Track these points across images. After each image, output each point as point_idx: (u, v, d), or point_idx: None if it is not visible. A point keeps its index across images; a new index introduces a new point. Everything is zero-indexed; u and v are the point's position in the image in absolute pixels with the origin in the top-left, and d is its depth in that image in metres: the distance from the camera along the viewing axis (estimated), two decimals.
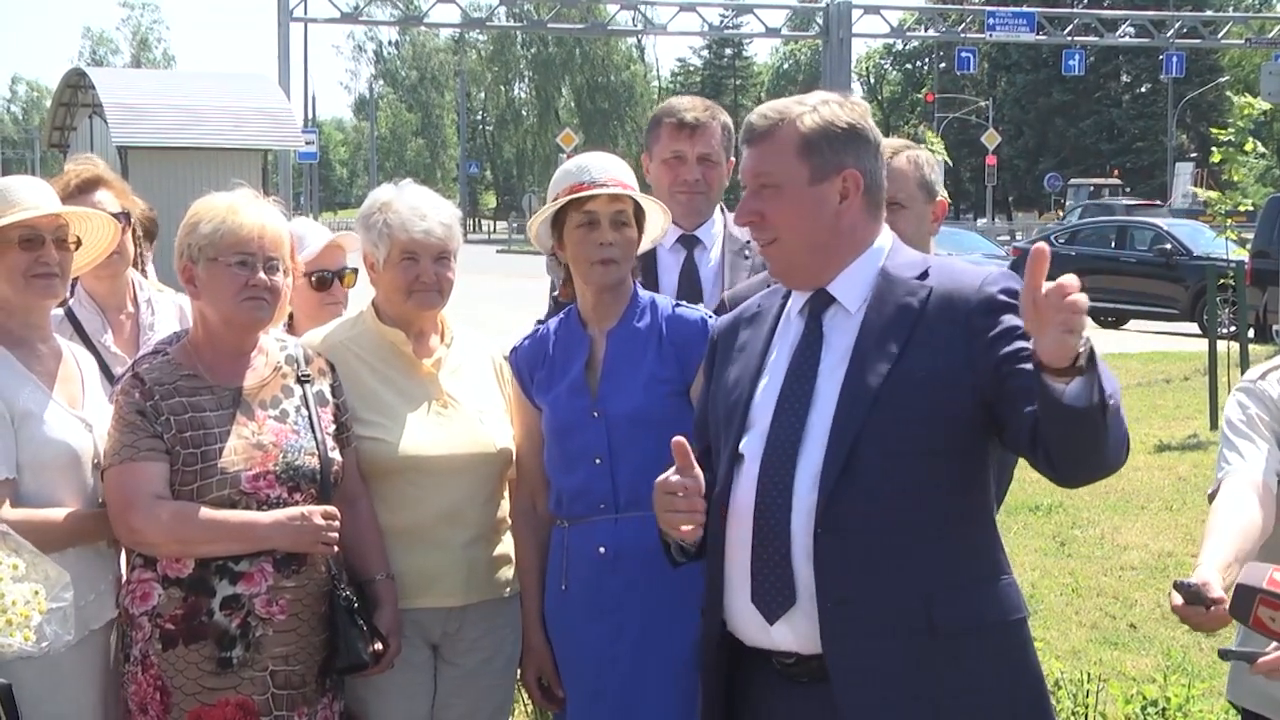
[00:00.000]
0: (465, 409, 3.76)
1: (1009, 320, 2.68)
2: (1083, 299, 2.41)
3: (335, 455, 3.50)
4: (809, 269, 2.86)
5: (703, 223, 4.43)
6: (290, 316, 4.37)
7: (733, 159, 4.47)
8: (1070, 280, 2.42)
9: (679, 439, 2.82)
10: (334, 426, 3.55)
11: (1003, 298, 2.72)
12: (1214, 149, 13.70)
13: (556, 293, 4.08)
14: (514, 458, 3.83)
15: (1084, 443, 2.56)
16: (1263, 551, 3.23)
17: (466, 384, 3.81)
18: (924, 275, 2.81)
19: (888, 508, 2.70)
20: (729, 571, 2.85)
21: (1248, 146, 13.15)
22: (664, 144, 4.40)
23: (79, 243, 3.59)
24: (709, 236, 4.40)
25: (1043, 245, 2.55)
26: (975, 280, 2.77)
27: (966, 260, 14.18)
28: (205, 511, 3.31)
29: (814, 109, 2.83)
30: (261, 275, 3.40)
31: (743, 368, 2.95)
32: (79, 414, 3.48)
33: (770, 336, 2.94)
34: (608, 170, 3.67)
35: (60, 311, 4.06)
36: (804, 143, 2.80)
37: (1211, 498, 3.21)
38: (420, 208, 3.71)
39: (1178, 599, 2.77)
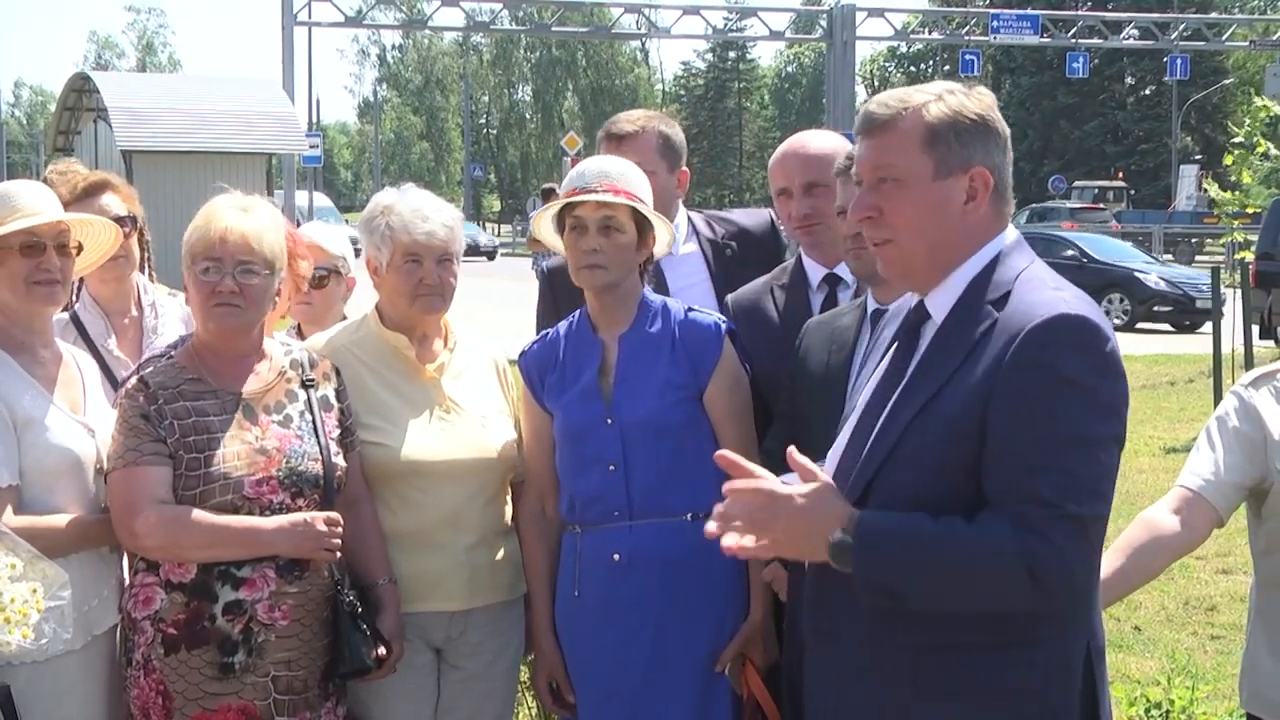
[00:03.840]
0: (468, 413, 3.77)
1: (1028, 394, 2.43)
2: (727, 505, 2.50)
3: (339, 460, 3.50)
4: (927, 272, 2.63)
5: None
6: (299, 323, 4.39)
7: (685, 169, 4.37)
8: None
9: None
10: (338, 431, 3.55)
11: (1047, 355, 2.43)
12: (1227, 149, 13.68)
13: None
14: (516, 462, 3.84)
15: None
16: (1262, 561, 3.28)
17: (469, 388, 3.81)
18: (1001, 300, 2.53)
19: None
20: (802, 586, 2.79)
21: (1260, 148, 13.14)
22: None
23: (80, 248, 3.59)
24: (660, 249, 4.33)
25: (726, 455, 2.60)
26: (1031, 318, 2.47)
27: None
28: (207, 517, 3.30)
29: (939, 97, 2.59)
30: (228, 281, 3.36)
31: (867, 369, 2.82)
32: (81, 419, 3.48)
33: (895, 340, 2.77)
34: (604, 176, 3.65)
35: (65, 315, 4.07)
36: (930, 133, 2.56)
37: None
38: (422, 210, 3.72)
39: None
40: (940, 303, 2.62)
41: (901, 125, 2.58)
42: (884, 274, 2.74)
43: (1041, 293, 2.54)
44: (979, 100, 2.63)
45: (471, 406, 3.79)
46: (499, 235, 74.91)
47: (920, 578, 2.45)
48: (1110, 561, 3.14)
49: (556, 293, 4.24)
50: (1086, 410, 2.44)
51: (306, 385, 3.54)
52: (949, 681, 2.51)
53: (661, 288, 4.10)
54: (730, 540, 2.50)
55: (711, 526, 2.52)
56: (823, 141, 4.05)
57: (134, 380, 3.46)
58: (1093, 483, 2.44)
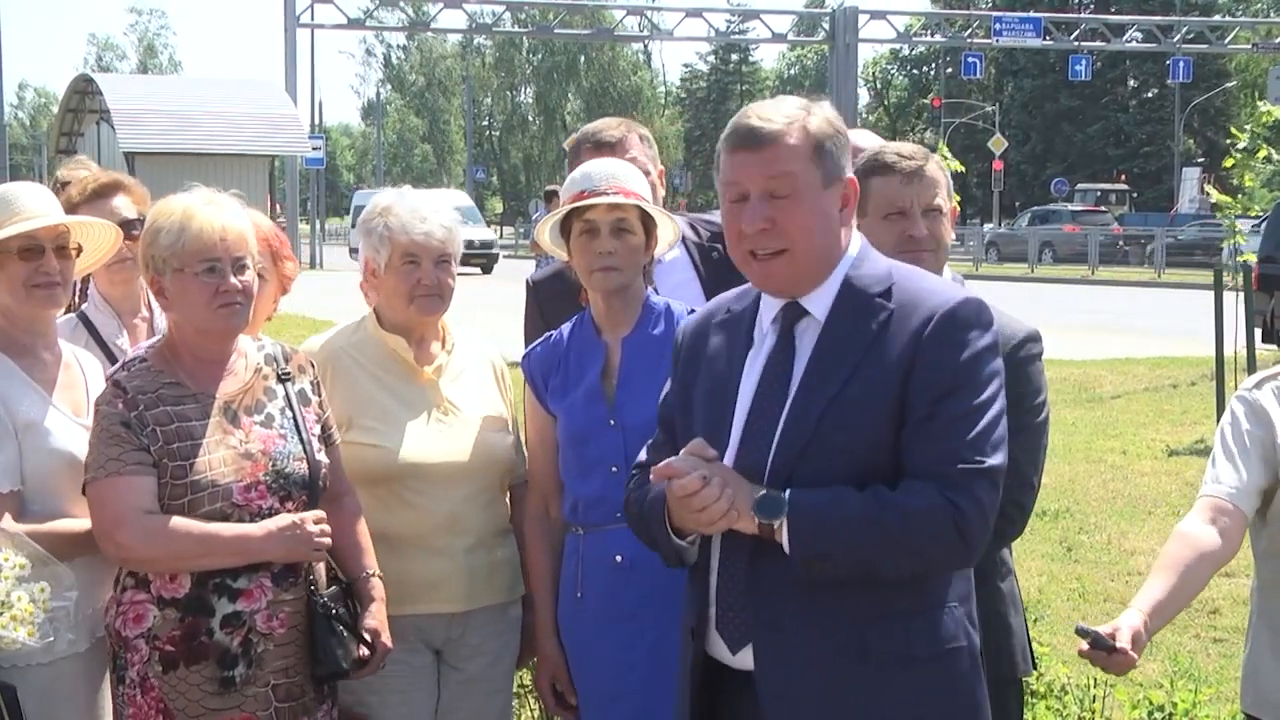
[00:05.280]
0: (466, 415, 3.77)
1: (948, 364, 2.64)
2: (681, 485, 2.59)
3: (322, 458, 3.44)
4: (814, 278, 2.77)
5: None
6: None
7: (661, 167, 4.35)
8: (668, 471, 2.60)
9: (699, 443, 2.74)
10: (319, 427, 3.49)
11: (957, 333, 2.67)
12: (1229, 153, 13.67)
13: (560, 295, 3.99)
14: (514, 464, 3.85)
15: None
16: (1264, 564, 3.26)
17: (467, 390, 3.82)
18: (887, 293, 2.74)
19: None
20: (708, 593, 2.81)
21: (1261, 153, 13.14)
22: None
23: (80, 249, 3.57)
24: (662, 247, 4.34)
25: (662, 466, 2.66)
26: (938, 304, 2.70)
27: None
28: (196, 526, 3.21)
29: (810, 111, 2.77)
30: (232, 280, 3.29)
31: (718, 377, 2.86)
32: (83, 422, 3.45)
33: (746, 344, 2.86)
34: (612, 178, 3.65)
35: (73, 316, 4.07)
36: (816, 145, 2.73)
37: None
38: (420, 210, 3.72)
39: (1083, 644, 2.87)
40: (820, 303, 2.77)
41: (790, 138, 2.73)
42: (771, 285, 2.81)
43: (926, 281, 2.80)
44: (836, 114, 2.82)
45: (469, 409, 3.79)
46: (500, 237, 74.90)
47: (852, 541, 2.59)
48: (1163, 580, 3.08)
49: (543, 304, 4.21)
50: (991, 381, 2.69)
51: (283, 379, 3.47)
52: (892, 648, 2.68)
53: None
54: (715, 498, 2.61)
55: (691, 478, 2.63)
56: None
57: (109, 385, 3.35)
58: (999, 440, 2.67)
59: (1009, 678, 3.53)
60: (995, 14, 40.13)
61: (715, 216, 4.48)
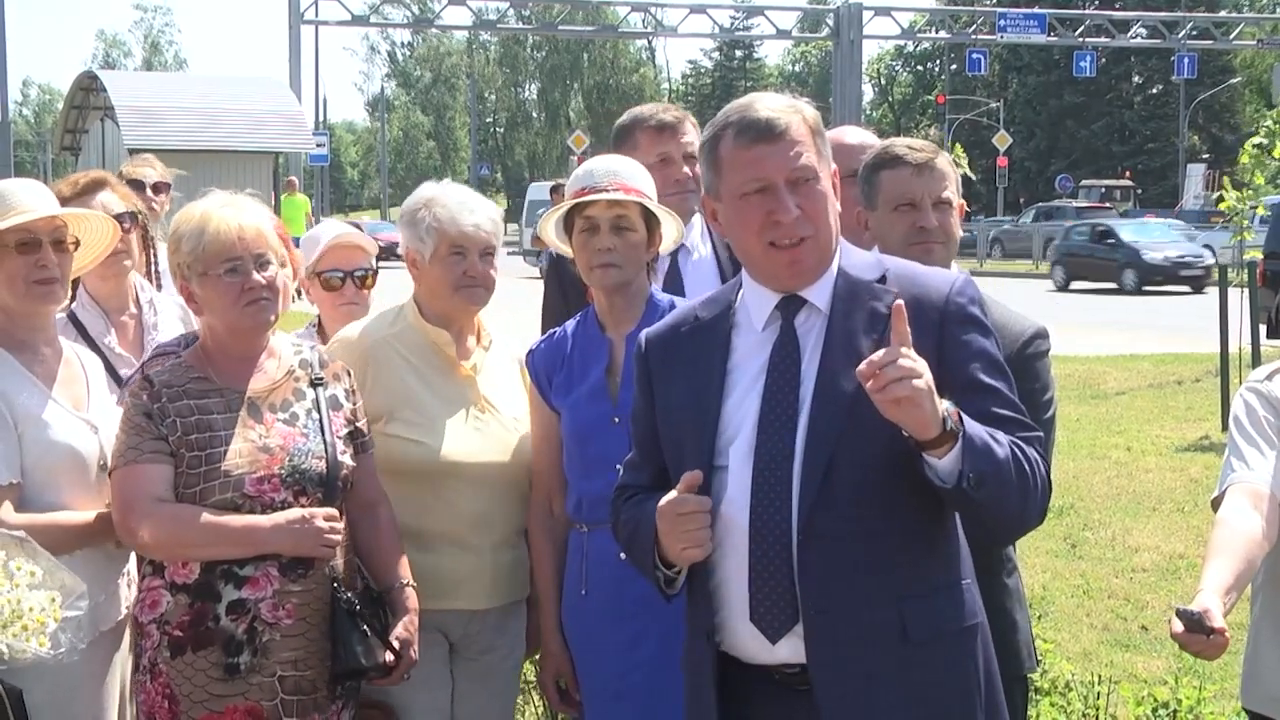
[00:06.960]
0: (501, 414, 3.80)
1: (978, 340, 2.75)
2: (892, 369, 2.47)
3: (345, 459, 3.46)
4: (824, 266, 2.81)
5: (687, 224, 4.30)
6: (319, 319, 4.38)
7: None
8: (874, 356, 2.50)
9: (698, 473, 2.72)
10: (346, 431, 3.51)
11: (973, 310, 2.77)
12: (1243, 147, 13.68)
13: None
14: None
15: (968, 513, 2.69)
16: (1269, 558, 3.24)
17: (501, 389, 3.84)
18: (883, 279, 2.80)
19: (864, 516, 2.68)
20: (724, 590, 2.79)
21: (1276, 152, 13.15)
22: (645, 151, 4.29)
23: (77, 244, 3.57)
24: (690, 239, 4.33)
25: (900, 303, 2.57)
26: (944, 286, 2.78)
27: None
28: (205, 515, 3.26)
29: (798, 102, 2.83)
30: (255, 276, 3.36)
31: (702, 380, 2.85)
32: (84, 416, 3.47)
33: (726, 345, 2.86)
34: (614, 175, 3.65)
35: (63, 315, 4.06)
36: (817, 133, 2.79)
37: (1215, 504, 3.20)
38: (468, 203, 3.76)
39: (1178, 626, 2.81)
40: (820, 293, 2.80)
41: (801, 128, 2.77)
42: (795, 271, 2.79)
43: (911, 264, 2.90)
44: None
45: (504, 408, 3.82)
46: (505, 233, 74.78)
47: (1001, 467, 2.61)
48: (1224, 563, 3.01)
49: (563, 279, 4.23)
50: (998, 348, 2.82)
51: (315, 384, 3.51)
52: (927, 625, 2.73)
53: (678, 287, 4.12)
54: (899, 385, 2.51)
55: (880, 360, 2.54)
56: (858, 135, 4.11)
57: (139, 378, 3.44)
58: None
59: (1014, 674, 3.52)
60: (1000, 10, 40.04)
61: None
